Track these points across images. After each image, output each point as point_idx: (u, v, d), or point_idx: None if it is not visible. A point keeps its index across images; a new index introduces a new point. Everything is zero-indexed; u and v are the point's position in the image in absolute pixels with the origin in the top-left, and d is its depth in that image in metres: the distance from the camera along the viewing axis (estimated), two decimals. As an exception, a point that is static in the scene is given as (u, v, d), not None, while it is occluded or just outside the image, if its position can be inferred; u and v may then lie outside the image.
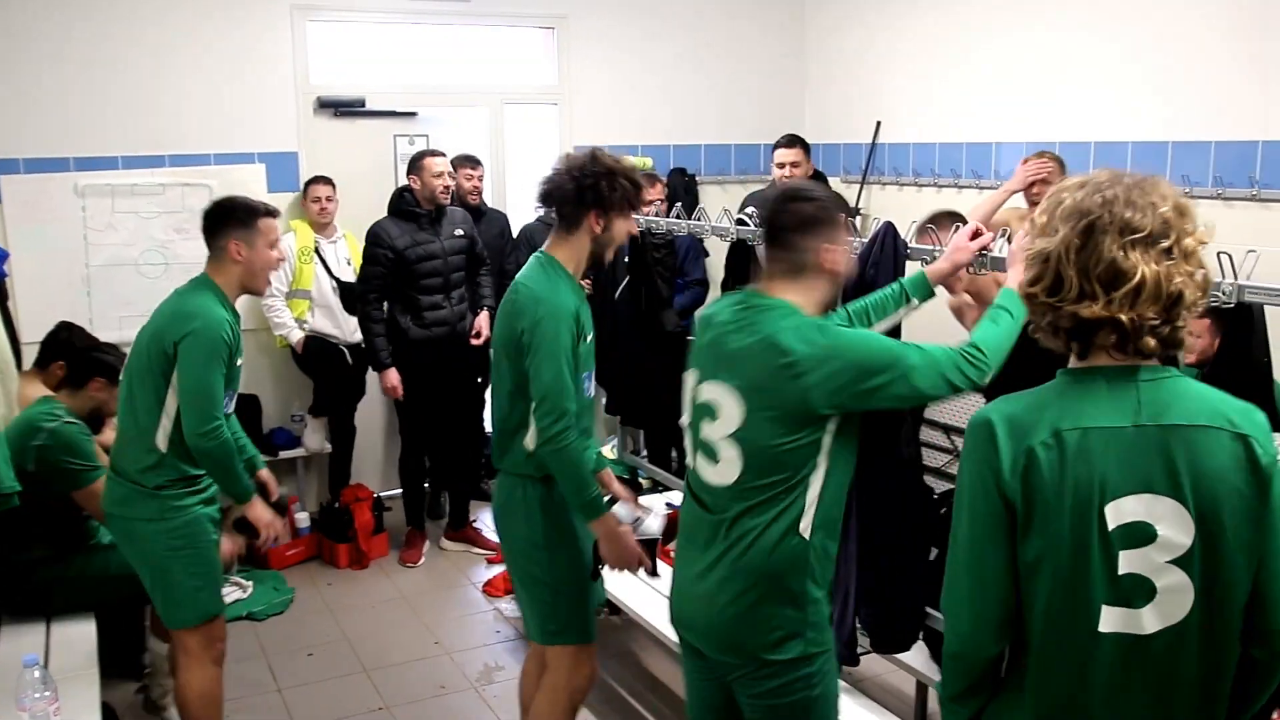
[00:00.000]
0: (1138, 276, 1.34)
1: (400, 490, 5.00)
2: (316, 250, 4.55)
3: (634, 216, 2.57)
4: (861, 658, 2.62)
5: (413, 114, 5.00)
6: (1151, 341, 1.37)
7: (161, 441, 2.68)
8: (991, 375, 1.93)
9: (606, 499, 2.63)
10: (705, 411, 1.98)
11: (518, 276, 2.52)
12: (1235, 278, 1.76)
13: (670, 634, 3.12)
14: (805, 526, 1.91)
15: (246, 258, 2.72)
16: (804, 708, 1.98)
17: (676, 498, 4.06)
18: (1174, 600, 1.38)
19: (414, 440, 4.60)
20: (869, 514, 2.43)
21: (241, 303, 4.53)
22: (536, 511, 2.51)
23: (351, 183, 4.79)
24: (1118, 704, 1.41)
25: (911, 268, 2.39)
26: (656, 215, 3.80)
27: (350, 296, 4.56)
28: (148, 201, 4.51)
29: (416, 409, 4.52)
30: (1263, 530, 1.37)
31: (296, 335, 4.51)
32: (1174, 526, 1.36)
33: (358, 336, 4.64)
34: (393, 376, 4.45)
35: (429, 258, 4.36)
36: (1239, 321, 1.81)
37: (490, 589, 4.30)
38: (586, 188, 2.42)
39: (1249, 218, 3.76)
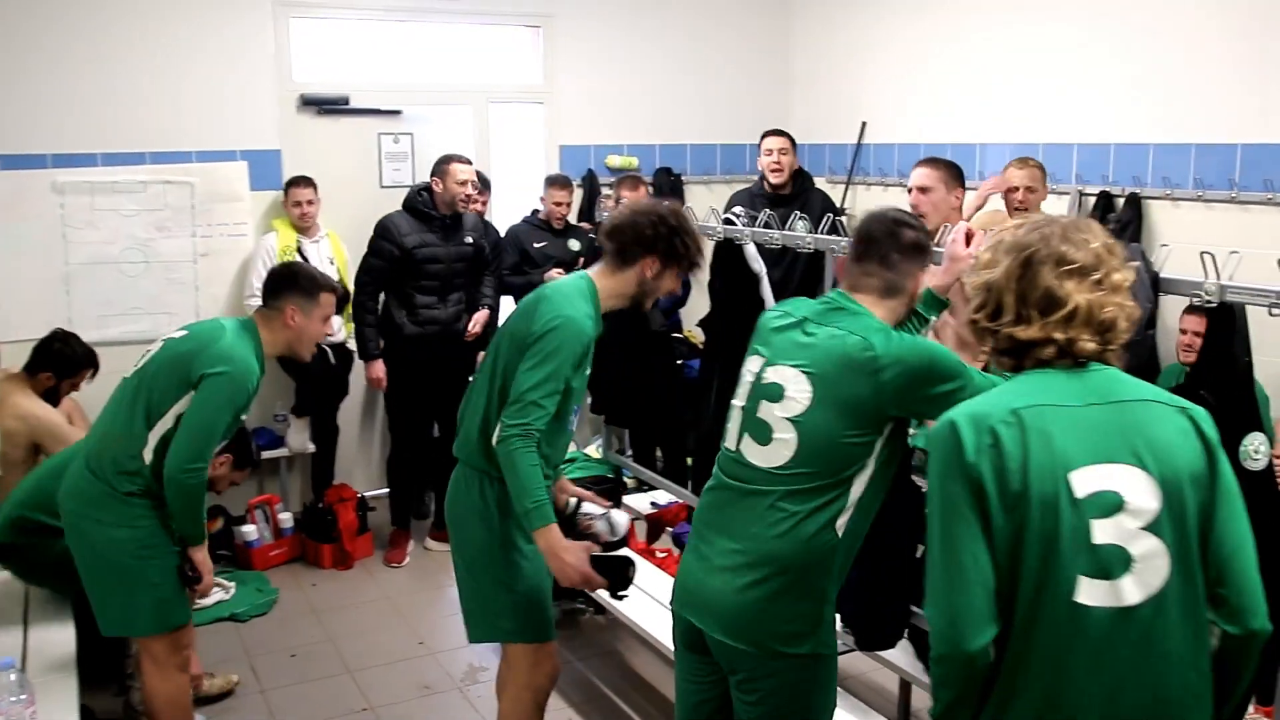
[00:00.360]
0: (1071, 304, 1.48)
1: (384, 490, 4.99)
2: (299, 250, 4.52)
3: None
4: (845, 655, 2.63)
5: (397, 112, 4.98)
6: (1089, 347, 1.49)
7: (147, 454, 2.65)
8: None
9: (571, 505, 2.62)
10: (768, 392, 1.99)
11: (553, 284, 2.50)
12: (1218, 278, 1.77)
13: (656, 634, 3.13)
14: (841, 524, 1.94)
15: (299, 325, 2.77)
16: (802, 709, 1.97)
17: (661, 497, 4.07)
18: (1151, 567, 1.42)
19: (403, 439, 4.59)
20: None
21: (224, 303, 4.60)
22: (495, 511, 2.46)
23: (335, 181, 4.77)
24: (1107, 681, 1.43)
25: None
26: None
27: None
28: (128, 199, 4.46)
29: (406, 406, 4.51)
30: (1216, 507, 1.44)
31: None
32: (1139, 493, 1.42)
33: (341, 336, 4.62)
34: (378, 368, 4.44)
35: (433, 260, 4.36)
36: (1221, 321, 1.83)
37: (475, 589, 4.28)
38: (661, 236, 2.42)
39: (1229, 219, 3.79)
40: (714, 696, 2.10)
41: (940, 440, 1.51)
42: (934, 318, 2.24)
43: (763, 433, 1.97)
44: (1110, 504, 1.42)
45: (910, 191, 3.41)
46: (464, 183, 4.31)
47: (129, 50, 4.41)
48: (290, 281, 2.80)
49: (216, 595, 4.05)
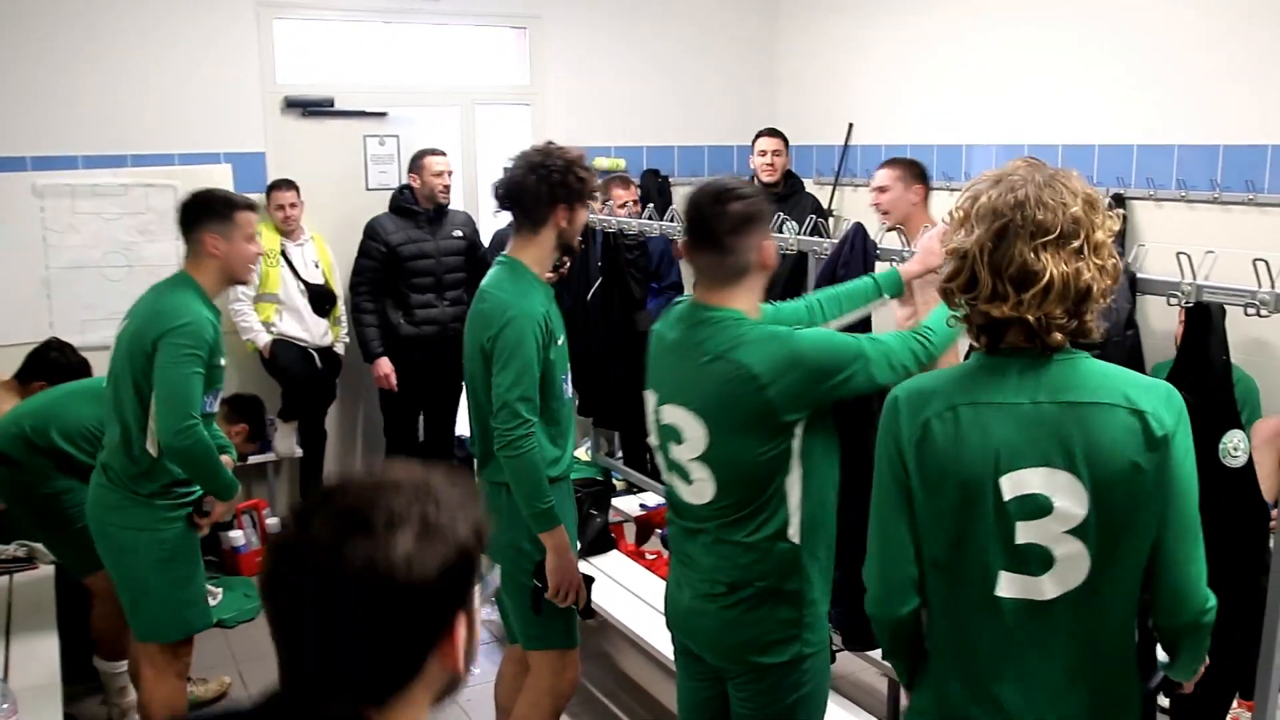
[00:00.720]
0: (1046, 278, 1.40)
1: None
2: (283, 253, 4.51)
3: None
4: (836, 655, 2.63)
5: (383, 114, 4.96)
6: (1058, 336, 1.44)
7: (151, 445, 2.62)
8: (936, 356, 1.98)
9: None
10: (670, 434, 1.97)
11: (484, 284, 2.49)
12: (1195, 278, 1.78)
13: (646, 636, 3.14)
14: (794, 532, 1.91)
15: (224, 252, 2.66)
16: (794, 706, 1.99)
17: (651, 499, 4.07)
18: (1071, 567, 1.44)
19: (399, 441, 4.57)
20: (840, 510, 2.44)
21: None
22: (520, 518, 2.46)
23: (321, 184, 4.75)
24: (1023, 666, 1.47)
25: (880, 268, 2.41)
26: (629, 217, 3.80)
27: (319, 299, 4.53)
28: (110, 202, 4.43)
29: (403, 408, 4.50)
30: (1160, 502, 1.42)
31: (264, 339, 4.46)
32: (1070, 498, 1.42)
33: (327, 340, 4.62)
34: (384, 365, 4.45)
35: (422, 256, 4.40)
36: (1198, 321, 1.84)
37: (463, 592, 4.27)
38: (555, 184, 2.39)
39: (1211, 220, 3.81)
40: (714, 695, 2.11)
41: (885, 419, 1.55)
42: (887, 296, 2.23)
43: (683, 473, 1.96)
44: (1037, 507, 1.43)
45: (872, 191, 3.56)
46: (440, 174, 4.42)
47: (110, 51, 4.39)
48: (201, 210, 2.67)
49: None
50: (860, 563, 2.43)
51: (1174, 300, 1.78)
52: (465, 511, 0.96)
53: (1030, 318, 1.42)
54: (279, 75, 4.74)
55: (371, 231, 4.42)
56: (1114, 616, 1.47)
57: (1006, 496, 1.43)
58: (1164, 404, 1.43)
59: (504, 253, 2.51)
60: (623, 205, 4.28)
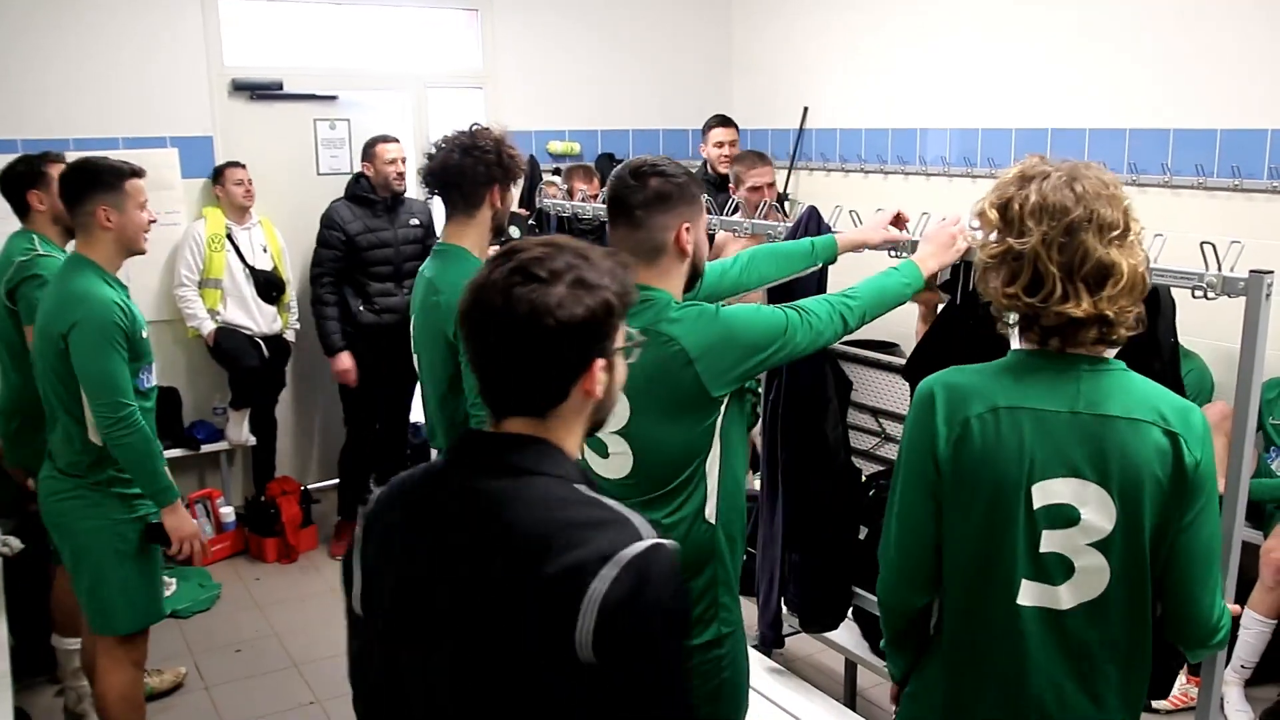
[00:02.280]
0: (1125, 273, 1.40)
1: (328, 482, 4.92)
2: (229, 237, 4.42)
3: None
4: (791, 638, 2.65)
5: (333, 97, 4.88)
6: (1123, 332, 1.44)
7: (94, 435, 2.55)
8: (863, 323, 1.98)
9: None
10: None
11: (430, 275, 2.43)
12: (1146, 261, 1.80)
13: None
14: (710, 511, 1.88)
15: (118, 223, 2.54)
16: (714, 691, 1.96)
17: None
18: (1090, 579, 1.44)
19: (359, 430, 4.53)
20: (796, 495, 2.46)
21: (155, 292, 4.48)
22: None
23: (270, 168, 4.66)
24: (1030, 671, 1.47)
25: (890, 262, 2.40)
26: (584, 201, 3.77)
27: (267, 285, 4.46)
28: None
29: (365, 398, 4.45)
30: (1180, 525, 1.41)
31: (208, 327, 4.38)
32: (1097, 512, 1.41)
33: (276, 326, 4.54)
34: (344, 360, 4.39)
35: (380, 245, 4.38)
36: (1148, 305, 1.86)
37: (422, 580, 4.25)
38: (491, 164, 2.40)
39: (1161, 203, 3.87)
40: None
41: (918, 407, 1.52)
42: (820, 264, 2.23)
43: (599, 446, 1.91)
44: (1065, 518, 1.42)
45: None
46: (393, 161, 4.38)
47: (51, 33, 4.25)
48: (89, 181, 2.53)
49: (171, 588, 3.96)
50: (816, 546, 2.46)
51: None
52: (613, 275, 1.20)
53: (1111, 313, 1.40)
54: (226, 57, 4.63)
55: (328, 221, 4.36)
56: (1124, 628, 1.46)
57: (1036, 505, 1.42)
58: (1196, 428, 1.42)
59: (442, 239, 2.49)
60: (584, 200, 4.26)
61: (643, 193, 1.83)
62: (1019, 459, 1.42)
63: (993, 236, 1.47)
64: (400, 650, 1.21)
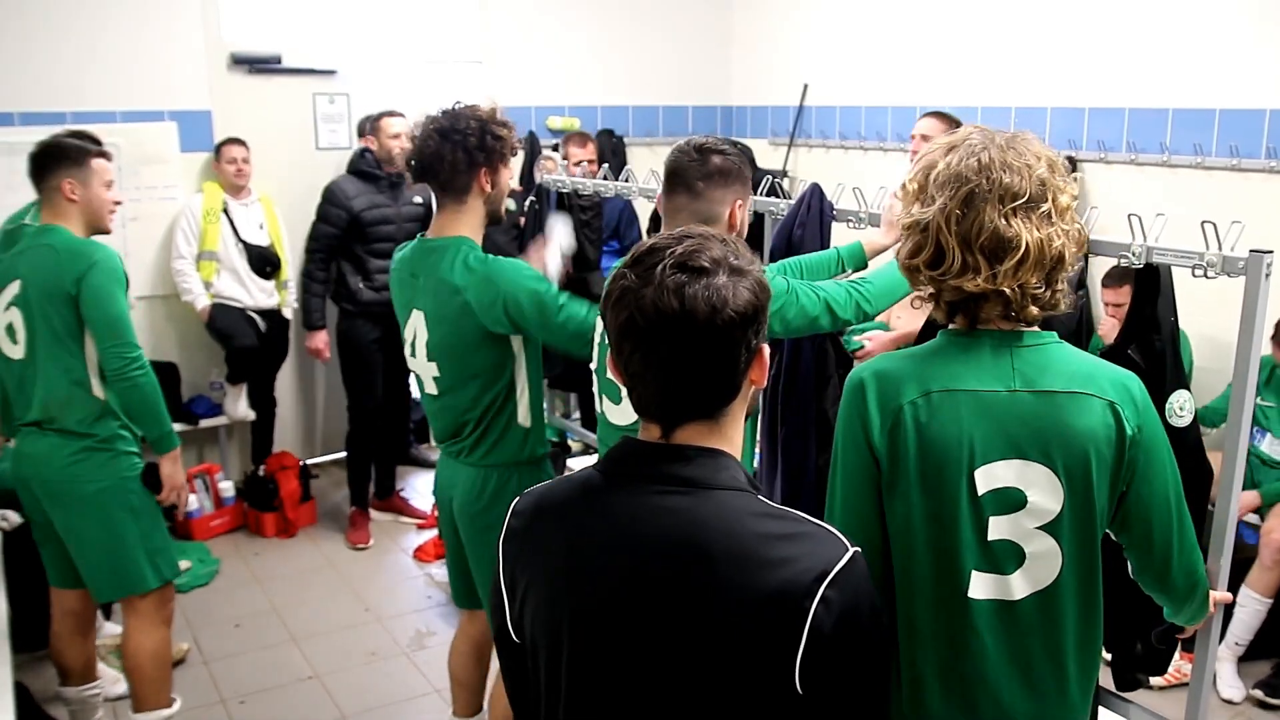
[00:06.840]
0: (1021, 246, 1.32)
1: (326, 458, 4.93)
2: (225, 211, 4.40)
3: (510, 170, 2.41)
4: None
5: (332, 72, 4.85)
6: (1034, 310, 1.38)
7: (99, 390, 2.59)
8: (876, 312, 2.04)
9: None
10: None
11: (441, 275, 2.25)
12: (1145, 240, 1.81)
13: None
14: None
15: (83, 198, 2.60)
16: None
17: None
18: (1042, 566, 1.39)
19: (364, 412, 4.44)
20: (796, 469, 2.47)
21: (152, 267, 4.47)
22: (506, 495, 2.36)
23: (269, 143, 4.64)
24: (986, 666, 1.43)
25: (837, 229, 2.42)
26: (586, 176, 3.76)
27: (260, 260, 4.44)
28: (51, 161, 4.29)
29: (365, 374, 4.41)
30: (1134, 488, 1.40)
31: (202, 303, 4.36)
32: (1044, 493, 1.36)
33: (271, 301, 4.51)
34: (320, 338, 4.37)
35: (384, 222, 4.33)
36: (1147, 283, 1.87)
37: (421, 554, 4.27)
38: (472, 148, 2.22)
39: (1159, 182, 3.88)
40: None
41: (849, 397, 1.45)
42: (850, 270, 2.25)
43: (612, 391, 2.01)
44: (1012, 502, 1.37)
45: (913, 139, 3.61)
46: (397, 135, 4.30)
47: (49, 6, 4.21)
48: (56, 157, 2.59)
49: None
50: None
51: (1125, 261, 1.81)
52: (748, 255, 1.16)
53: (1007, 289, 1.34)
54: (225, 30, 4.60)
55: (331, 196, 4.29)
56: (1078, 615, 1.43)
57: (981, 491, 1.37)
58: (1134, 396, 1.39)
59: (430, 234, 2.34)
60: (579, 164, 4.24)
61: (705, 167, 1.96)
62: (958, 444, 1.36)
63: (914, 209, 1.41)
64: (588, 681, 1.14)
